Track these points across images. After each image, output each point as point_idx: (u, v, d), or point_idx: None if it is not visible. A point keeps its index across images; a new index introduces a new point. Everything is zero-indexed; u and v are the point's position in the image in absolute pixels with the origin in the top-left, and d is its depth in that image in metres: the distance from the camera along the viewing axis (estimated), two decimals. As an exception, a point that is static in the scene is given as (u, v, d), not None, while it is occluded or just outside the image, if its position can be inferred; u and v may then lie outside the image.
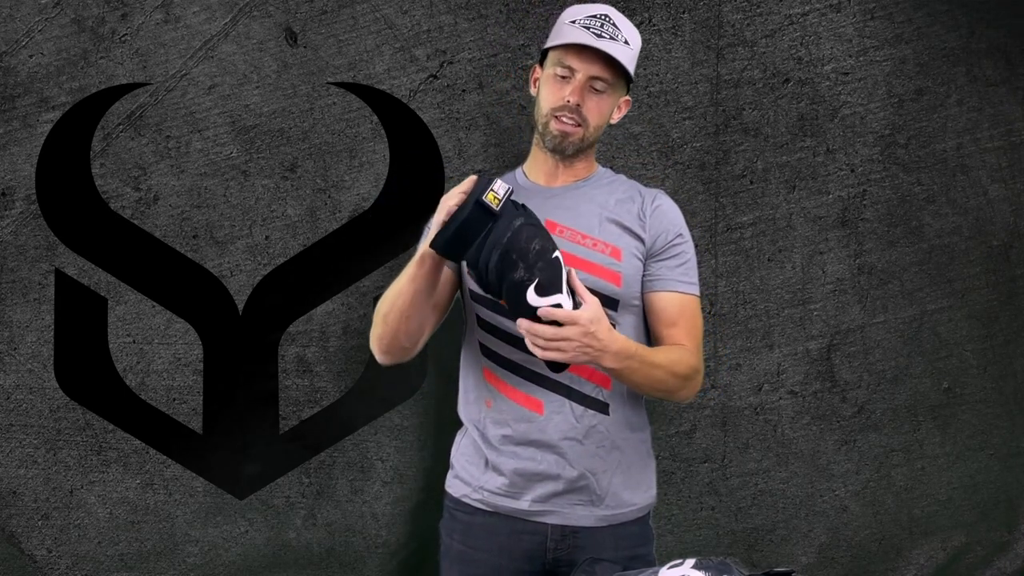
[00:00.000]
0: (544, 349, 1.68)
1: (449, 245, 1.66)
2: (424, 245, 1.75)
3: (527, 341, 1.70)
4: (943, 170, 2.51)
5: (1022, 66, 2.51)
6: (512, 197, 1.71)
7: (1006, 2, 2.49)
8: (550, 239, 1.70)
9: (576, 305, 1.68)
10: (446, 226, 1.65)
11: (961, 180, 2.52)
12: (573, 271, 1.73)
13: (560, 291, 1.67)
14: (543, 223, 1.81)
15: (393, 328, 1.85)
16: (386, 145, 2.38)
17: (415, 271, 1.78)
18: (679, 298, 1.87)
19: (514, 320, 1.69)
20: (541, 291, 1.66)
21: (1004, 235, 2.54)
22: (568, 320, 1.67)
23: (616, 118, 1.92)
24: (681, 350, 1.85)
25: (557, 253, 1.69)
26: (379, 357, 1.91)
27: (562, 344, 1.68)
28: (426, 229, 1.86)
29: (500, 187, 1.66)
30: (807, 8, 2.43)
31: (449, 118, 2.38)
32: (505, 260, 1.64)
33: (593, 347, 1.70)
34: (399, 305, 1.82)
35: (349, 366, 2.41)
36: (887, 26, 2.46)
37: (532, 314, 1.66)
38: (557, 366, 1.76)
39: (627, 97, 1.91)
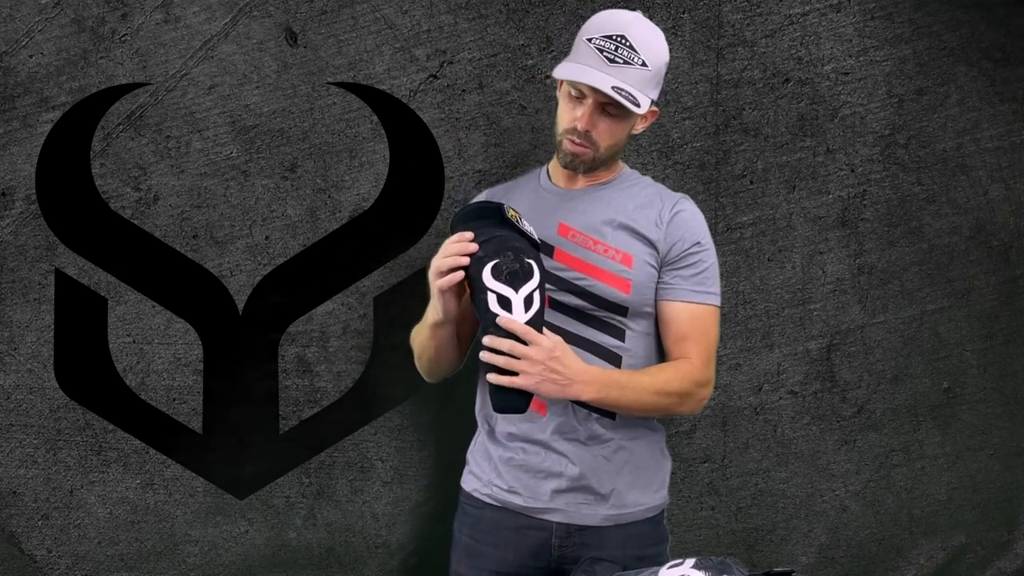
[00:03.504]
0: (505, 369, 1.69)
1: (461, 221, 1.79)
2: (433, 313, 1.82)
3: (484, 370, 1.74)
4: (943, 170, 2.51)
5: (1022, 66, 2.51)
6: (530, 203, 1.85)
7: (1006, 2, 2.49)
8: (537, 257, 1.74)
9: (534, 320, 1.70)
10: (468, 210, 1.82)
11: (961, 180, 2.52)
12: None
13: (515, 290, 1.68)
14: (556, 225, 1.84)
15: (429, 368, 1.99)
16: (386, 145, 2.38)
17: (433, 331, 1.88)
18: (690, 309, 1.87)
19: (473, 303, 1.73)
20: (497, 274, 1.67)
21: (1004, 235, 2.54)
22: (529, 338, 1.68)
23: (640, 128, 1.91)
24: (679, 365, 1.85)
25: (532, 263, 1.70)
26: (426, 379, 2.06)
27: (524, 364, 1.69)
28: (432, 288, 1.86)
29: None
30: (807, 8, 2.43)
31: (449, 118, 2.38)
32: (487, 244, 1.71)
33: (560, 373, 1.72)
34: (428, 355, 1.95)
35: (349, 366, 2.41)
36: (887, 26, 2.46)
37: (484, 294, 1.68)
38: (507, 402, 1.73)
39: (654, 108, 1.89)
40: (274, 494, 2.42)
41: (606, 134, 1.84)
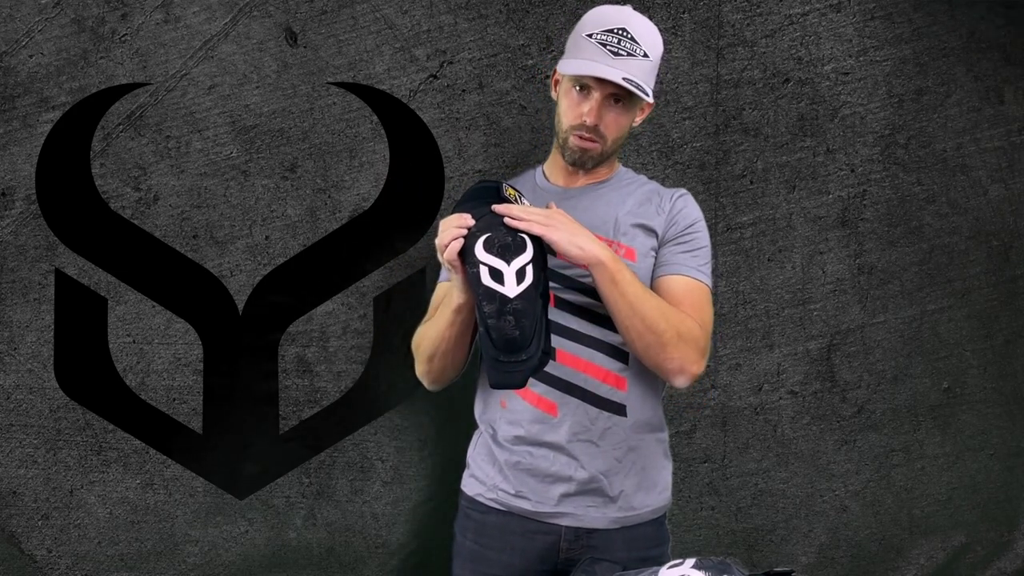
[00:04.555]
0: (527, 221, 1.72)
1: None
2: (459, 295, 1.77)
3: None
4: (943, 170, 2.51)
5: (1022, 66, 2.51)
6: (528, 203, 1.83)
7: (1006, 2, 2.49)
8: (533, 235, 1.75)
9: (527, 294, 1.70)
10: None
11: (961, 180, 2.52)
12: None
13: (507, 263, 1.69)
14: None
15: (441, 366, 1.91)
16: (386, 145, 2.38)
17: (454, 317, 1.81)
18: (685, 281, 1.85)
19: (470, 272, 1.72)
20: (489, 247, 1.69)
21: (1004, 235, 2.54)
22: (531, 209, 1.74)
23: (638, 121, 1.91)
24: (683, 313, 1.82)
25: (525, 237, 1.72)
26: (429, 387, 1.99)
27: (539, 217, 1.72)
28: (442, 273, 1.86)
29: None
30: (807, 8, 2.43)
31: (449, 118, 2.38)
32: (482, 219, 1.73)
33: (571, 223, 1.74)
34: (443, 349, 1.88)
35: (349, 366, 2.41)
36: (887, 26, 2.46)
37: (476, 268, 1.70)
38: (505, 378, 1.74)
39: (650, 101, 1.90)
40: (274, 494, 2.42)
41: (613, 126, 1.85)
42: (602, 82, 1.80)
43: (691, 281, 1.86)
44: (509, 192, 1.78)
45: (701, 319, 1.83)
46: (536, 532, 1.88)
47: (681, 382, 1.82)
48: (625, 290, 1.75)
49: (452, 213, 1.76)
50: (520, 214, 1.72)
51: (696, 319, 1.82)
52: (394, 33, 2.36)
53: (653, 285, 1.86)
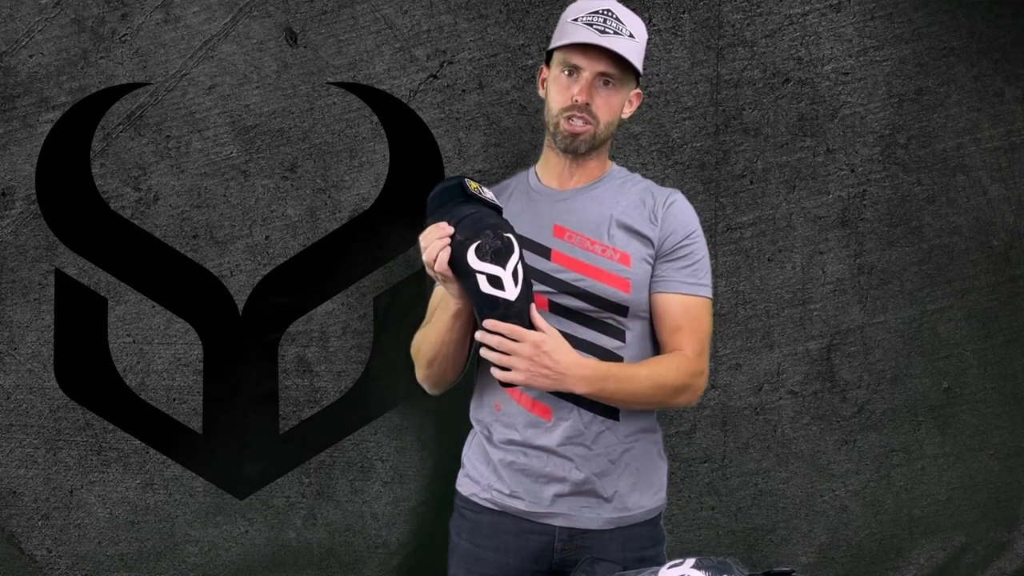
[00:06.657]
0: (498, 363, 1.71)
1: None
2: (455, 302, 1.78)
3: (484, 351, 1.74)
4: (943, 170, 2.51)
5: (1022, 66, 2.51)
6: (522, 206, 1.85)
7: (1006, 2, 2.49)
8: (510, 228, 1.75)
9: (524, 292, 1.71)
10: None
11: (961, 180, 2.52)
12: (535, 309, 1.76)
13: (503, 267, 1.68)
14: (552, 227, 1.84)
15: (441, 371, 1.91)
16: (386, 145, 2.38)
17: (452, 323, 1.82)
18: (683, 300, 1.86)
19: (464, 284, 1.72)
20: (481, 255, 1.68)
21: (1004, 235, 2.54)
22: (515, 335, 1.70)
23: (628, 112, 1.91)
24: (674, 358, 1.84)
25: (511, 237, 1.72)
26: (430, 391, 1.99)
27: (513, 360, 1.71)
28: (435, 281, 1.86)
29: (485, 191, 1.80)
30: (807, 8, 2.43)
31: (449, 118, 2.38)
32: (462, 225, 1.71)
33: (550, 368, 1.72)
34: (443, 354, 1.88)
35: (349, 366, 2.41)
36: (887, 26, 2.46)
37: (472, 277, 1.69)
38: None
39: (638, 91, 1.91)
40: (274, 494, 2.42)
41: (604, 107, 1.84)
42: (592, 61, 1.80)
43: (689, 299, 1.87)
44: (472, 186, 1.78)
45: (699, 340, 1.87)
46: (530, 532, 1.88)
47: (688, 406, 1.92)
48: (615, 397, 1.81)
49: (426, 224, 1.75)
50: (509, 362, 1.71)
51: (692, 344, 1.86)
52: (394, 33, 2.36)
53: (652, 300, 1.87)
